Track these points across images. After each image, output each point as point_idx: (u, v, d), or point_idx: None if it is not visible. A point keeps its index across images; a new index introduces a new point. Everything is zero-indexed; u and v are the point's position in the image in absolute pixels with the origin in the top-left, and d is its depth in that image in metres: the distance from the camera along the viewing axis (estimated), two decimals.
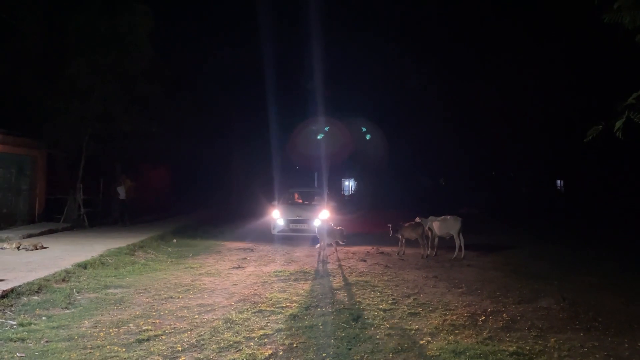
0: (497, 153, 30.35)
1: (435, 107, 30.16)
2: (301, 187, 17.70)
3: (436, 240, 11.67)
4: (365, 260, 10.80)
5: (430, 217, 11.58)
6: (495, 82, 25.71)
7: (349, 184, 52.58)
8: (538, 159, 28.85)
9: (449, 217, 11.46)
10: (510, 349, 5.21)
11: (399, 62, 29.17)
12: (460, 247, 11.21)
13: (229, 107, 26.66)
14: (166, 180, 24.12)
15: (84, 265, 8.76)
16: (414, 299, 7.34)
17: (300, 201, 15.76)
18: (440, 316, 6.45)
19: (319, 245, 11.40)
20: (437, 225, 11.45)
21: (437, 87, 29.26)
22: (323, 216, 13.23)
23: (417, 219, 11.68)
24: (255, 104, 25.98)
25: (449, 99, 28.95)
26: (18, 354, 4.84)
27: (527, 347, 5.28)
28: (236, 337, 5.50)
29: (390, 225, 11.82)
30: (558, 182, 35.75)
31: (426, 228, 11.52)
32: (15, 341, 5.20)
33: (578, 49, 20.76)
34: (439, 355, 5.01)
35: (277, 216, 13.92)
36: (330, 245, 11.57)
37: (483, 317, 6.40)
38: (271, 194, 18.58)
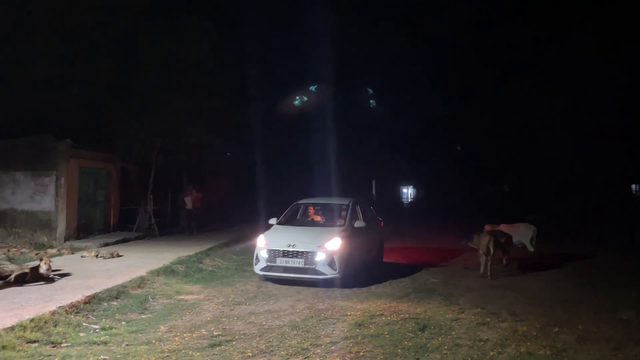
0: (565, 157, 28.96)
1: (498, 110, 29.30)
2: (320, 197, 12.37)
3: None
4: (429, 269, 10.65)
5: (501, 225, 11.17)
6: (563, 81, 24.60)
7: (408, 191, 51.98)
8: (611, 163, 27.29)
9: (520, 224, 11.05)
10: None
11: (459, 61, 28.64)
12: (531, 255, 10.78)
13: (288, 115, 27.19)
14: (229, 190, 24.84)
15: (156, 273, 9.20)
16: (481, 309, 7.17)
17: (319, 218, 10.58)
18: (510, 326, 6.26)
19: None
20: None
21: (500, 88, 28.38)
22: (333, 245, 8.68)
23: (488, 227, 11.20)
24: (315, 114, 26.32)
25: (513, 101, 27.98)
26: (102, 356, 5.15)
27: None
28: (304, 343, 5.60)
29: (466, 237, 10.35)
30: (633, 186, 33.65)
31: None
32: (98, 344, 5.55)
33: None
34: None
35: (261, 245, 9.10)
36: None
37: (556, 329, 6.15)
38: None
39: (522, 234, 10.90)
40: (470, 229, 10.49)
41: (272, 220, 10.17)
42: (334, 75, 27.34)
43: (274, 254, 8.86)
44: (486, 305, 7.37)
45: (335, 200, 11.19)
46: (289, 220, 10.37)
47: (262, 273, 9.03)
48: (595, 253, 12.73)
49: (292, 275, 8.75)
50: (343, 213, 10.10)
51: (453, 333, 6.01)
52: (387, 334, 5.96)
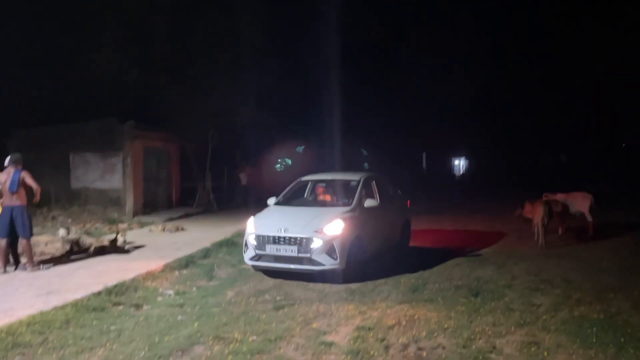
0: (628, 120, 27.47)
1: (555, 76, 28.12)
2: (329, 172, 10.49)
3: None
4: (484, 239, 10.73)
5: (557, 194, 11.01)
6: (628, 44, 23.14)
7: (459, 164, 51.06)
8: None
9: (578, 193, 10.87)
10: None
11: (515, 23, 27.55)
12: (589, 225, 10.60)
13: (334, 88, 27.18)
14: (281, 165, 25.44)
15: (219, 244, 9.82)
16: (535, 276, 7.28)
17: (329, 198, 8.83)
18: (564, 292, 6.37)
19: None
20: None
21: (557, 52, 27.05)
22: (333, 229, 7.19)
23: (545, 196, 11.01)
24: (362, 88, 26.21)
25: (569, 63, 26.66)
26: (179, 317, 5.71)
27: None
28: (361, 307, 5.96)
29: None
30: None
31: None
32: (174, 307, 6.11)
33: None
34: (564, 329, 5.03)
35: (250, 229, 7.72)
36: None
37: (611, 295, 6.20)
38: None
39: (579, 203, 10.70)
40: (525, 201, 10.36)
41: (270, 200, 8.67)
42: (380, 43, 27.07)
43: (263, 240, 7.40)
44: (540, 273, 7.46)
45: (345, 176, 9.41)
46: (289, 200, 8.83)
47: (251, 263, 7.66)
48: None
49: (284, 265, 7.31)
50: (352, 191, 8.39)
51: (506, 298, 6.19)
52: (441, 299, 6.21)
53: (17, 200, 7.32)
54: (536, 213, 9.69)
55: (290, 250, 7.20)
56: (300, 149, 24.80)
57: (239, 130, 18.16)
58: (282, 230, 7.31)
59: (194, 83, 15.84)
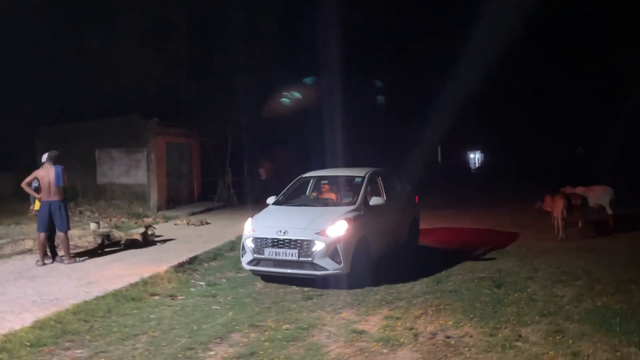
0: None
1: (572, 67, 27.79)
2: (332, 169, 10.19)
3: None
4: (503, 232, 10.85)
5: (577, 188, 11.07)
6: None
7: (475, 157, 50.92)
8: None
9: (598, 187, 10.92)
10: None
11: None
12: (610, 218, 10.65)
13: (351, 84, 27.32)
14: (298, 161, 25.64)
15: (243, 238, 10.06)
16: (556, 268, 7.40)
17: (334, 196, 8.32)
18: (586, 284, 6.50)
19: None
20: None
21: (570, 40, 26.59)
22: (336, 231, 6.67)
23: (567, 189, 11.07)
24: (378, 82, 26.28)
25: (587, 54, 26.21)
26: (214, 307, 5.96)
27: None
28: (388, 297, 6.18)
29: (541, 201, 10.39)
30: None
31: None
32: (208, 297, 6.38)
33: None
34: (588, 318, 5.18)
35: (247, 231, 7.24)
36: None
37: (633, 286, 6.33)
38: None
39: (599, 197, 10.75)
40: (544, 194, 10.42)
41: (270, 199, 8.22)
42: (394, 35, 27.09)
43: (261, 243, 6.89)
44: (561, 266, 7.58)
45: (349, 172, 8.83)
46: (289, 199, 8.31)
47: (249, 267, 7.11)
48: None
49: (284, 270, 6.79)
50: (357, 188, 7.84)
51: (529, 290, 6.35)
52: (465, 291, 6.39)
53: (55, 195, 7.65)
54: (556, 206, 9.79)
55: (291, 254, 6.69)
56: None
57: (259, 126, 18.44)
58: (282, 233, 6.81)
59: (214, 80, 16.14)
